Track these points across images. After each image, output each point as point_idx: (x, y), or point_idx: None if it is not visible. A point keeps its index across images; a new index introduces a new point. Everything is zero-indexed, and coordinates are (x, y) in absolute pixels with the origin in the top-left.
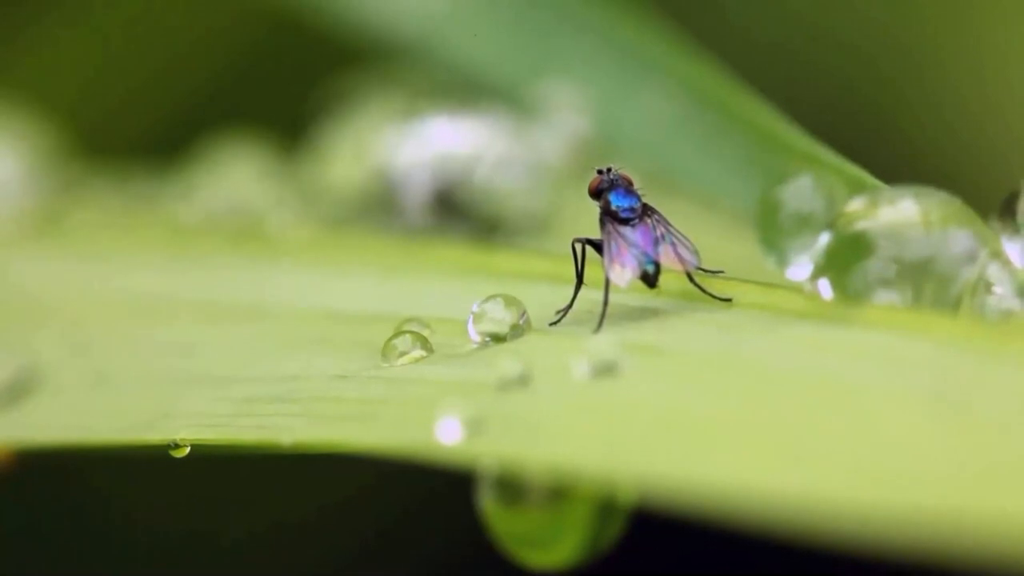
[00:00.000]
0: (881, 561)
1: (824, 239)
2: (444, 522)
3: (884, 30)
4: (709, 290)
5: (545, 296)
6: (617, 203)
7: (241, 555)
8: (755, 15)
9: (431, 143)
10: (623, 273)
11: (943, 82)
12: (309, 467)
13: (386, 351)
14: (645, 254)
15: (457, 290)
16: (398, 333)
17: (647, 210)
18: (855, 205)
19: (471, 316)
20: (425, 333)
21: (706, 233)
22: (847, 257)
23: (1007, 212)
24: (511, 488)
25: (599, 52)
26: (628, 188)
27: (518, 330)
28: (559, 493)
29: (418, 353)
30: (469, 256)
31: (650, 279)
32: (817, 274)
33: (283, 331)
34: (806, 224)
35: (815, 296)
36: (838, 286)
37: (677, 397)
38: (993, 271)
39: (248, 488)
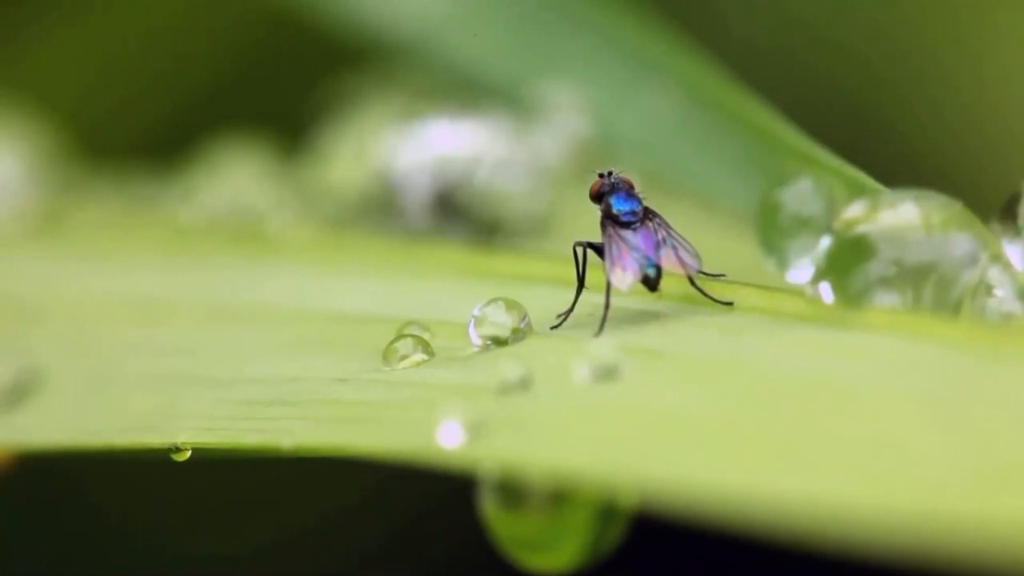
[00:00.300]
0: (882, 564)
1: (825, 242)
2: (445, 526)
3: (883, 33)
4: (710, 293)
5: (546, 299)
6: (618, 207)
7: (240, 563)
8: (755, 19)
9: (431, 145)
10: (624, 277)
11: (943, 84)
12: (308, 474)
13: (387, 354)
14: (646, 258)
15: (458, 292)
16: (399, 336)
17: (648, 214)
18: (856, 208)
19: (472, 320)
20: (426, 336)
21: (706, 234)
22: (848, 260)
23: (1008, 215)
24: (512, 492)
25: (599, 52)
26: (629, 192)
27: (519, 334)
28: (560, 497)
29: (419, 356)
30: (469, 258)
31: (651, 283)
32: (818, 277)
33: (283, 332)
34: (806, 227)
35: (816, 299)
36: (839, 289)
37: (678, 401)
38: (994, 274)
39: (247, 496)
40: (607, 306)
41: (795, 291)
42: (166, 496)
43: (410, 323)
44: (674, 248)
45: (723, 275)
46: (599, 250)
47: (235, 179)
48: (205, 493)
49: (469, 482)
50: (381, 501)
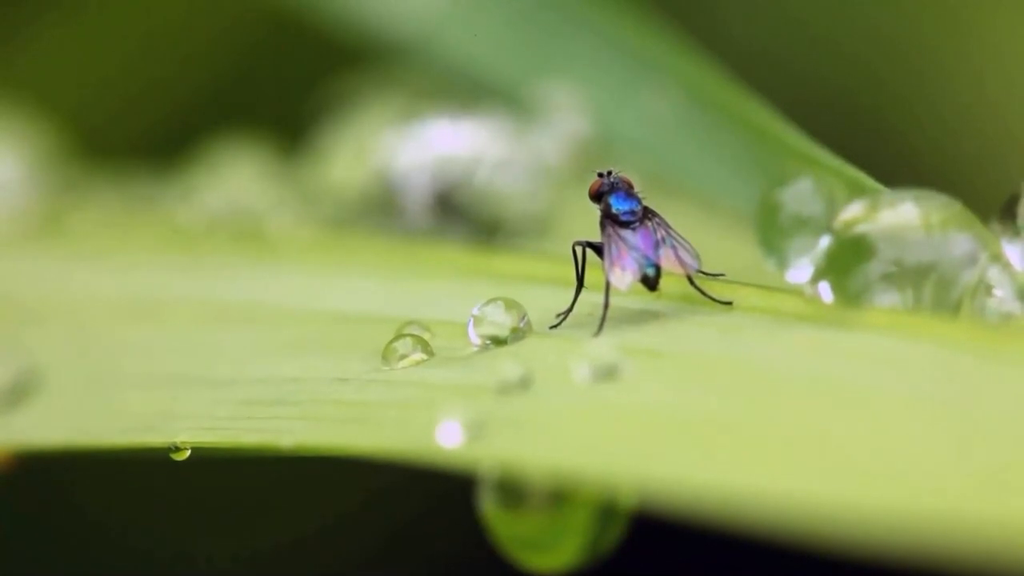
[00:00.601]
0: (882, 564)
1: (825, 242)
2: (445, 526)
3: (883, 34)
4: (710, 293)
5: (545, 299)
6: (618, 206)
7: (240, 565)
8: (754, 21)
9: (431, 145)
10: (623, 276)
11: (942, 85)
12: (308, 477)
13: (386, 354)
14: (646, 257)
15: (457, 292)
16: (398, 336)
17: (648, 213)
18: (855, 208)
19: (471, 319)
20: (425, 336)
21: (706, 234)
22: (848, 260)
23: (1007, 215)
24: (512, 491)
25: (599, 52)
26: (628, 191)
27: (518, 333)
28: (560, 496)
29: (418, 356)
30: (469, 258)
31: (651, 282)
32: (818, 277)
33: (283, 333)
34: (806, 226)
35: (816, 299)
36: (839, 289)
37: (677, 400)
38: (993, 274)
39: (247, 499)
40: (606, 306)
41: (795, 291)
42: (166, 499)
43: (410, 323)
44: (673, 247)
45: (723, 275)
46: (598, 250)
47: (235, 179)
48: (205, 496)
49: (469, 482)
50: (381, 502)
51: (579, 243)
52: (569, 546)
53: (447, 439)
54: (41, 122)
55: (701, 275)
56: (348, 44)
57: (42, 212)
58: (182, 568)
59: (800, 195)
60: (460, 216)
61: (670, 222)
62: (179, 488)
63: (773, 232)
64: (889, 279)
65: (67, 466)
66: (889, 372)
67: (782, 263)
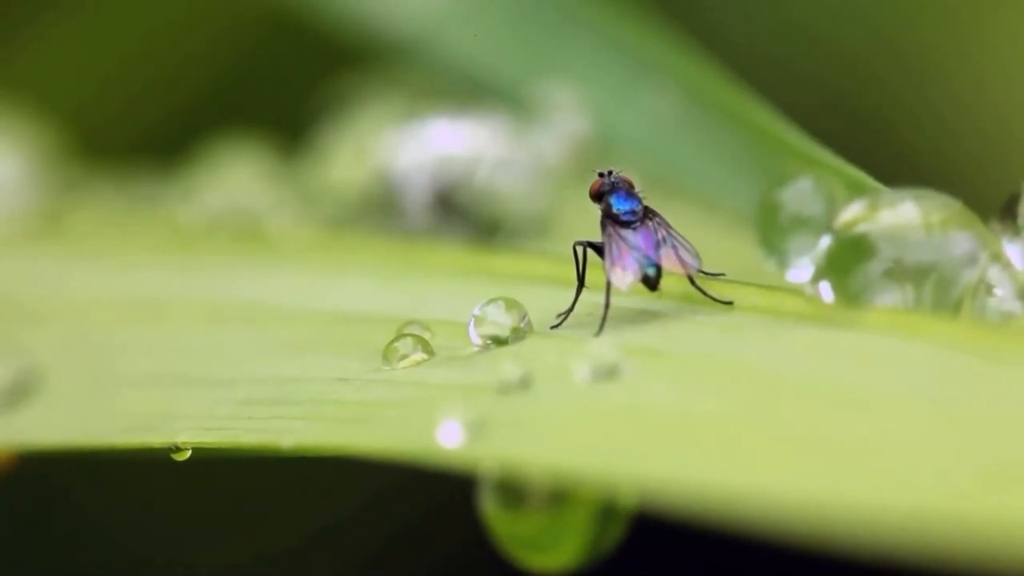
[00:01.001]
0: (882, 564)
1: (825, 242)
2: (445, 525)
3: (883, 34)
4: (710, 293)
5: (546, 299)
6: (618, 206)
7: (241, 570)
8: (754, 24)
9: (431, 145)
10: (624, 276)
11: (942, 85)
12: (308, 480)
13: (387, 354)
14: (646, 257)
15: (458, 292)
16: (399, 336)
17: (648, 213)
18: (856, 208)
19: (472, 319)
20: (426, 336)
21: (706, 234)
22: (848, 260)
23: (1008, 214)
24: (512, 491)
25: (599, 52)
26: (629, 191)
27: (519, 333)
28: (560, 496)
29: (419, 356)
30: (469, 258)
31: (651, 282)
32: (818, 277)
33: (283, 333)
34: (806, 226)
35: (816, 299)
36: (839, 289)
37: (678, 400)
38: (994, 273)
39: (247, 503)
40: (607, 305)
41: (795, 291)
42: (165, 500)
43: (410, 323)
44: (674, 247)
45: (723, 274)
46: (599, 249)
47: (235, 179)
48: (204, 498)
49: (469, 482)
50: (382, 504)
51: (579, 243)
52: (569, 546)
53: (447, 439)
54: (41, 122)
55: (702, 275)
56: (348, 44)
57: (42, 212)
58: (181, 569)
59: (800, 195)
60: (460, 216)
61: (671, 222)
62: (179, 489)
63: (773, 232)
64: (889, 279)
65: (67, 466)
66: (889, 372)
67: (782, 263)
